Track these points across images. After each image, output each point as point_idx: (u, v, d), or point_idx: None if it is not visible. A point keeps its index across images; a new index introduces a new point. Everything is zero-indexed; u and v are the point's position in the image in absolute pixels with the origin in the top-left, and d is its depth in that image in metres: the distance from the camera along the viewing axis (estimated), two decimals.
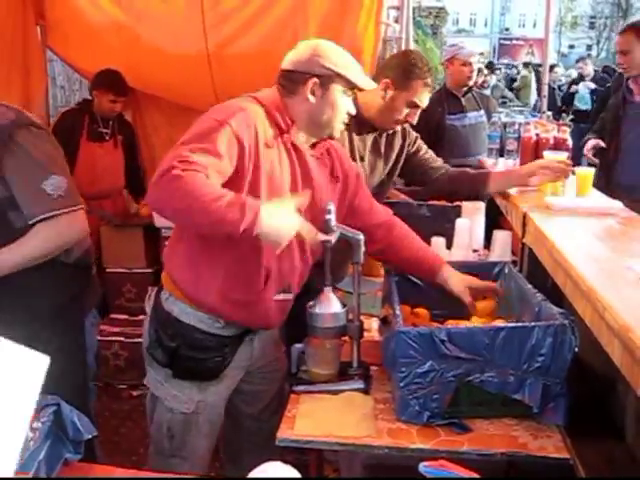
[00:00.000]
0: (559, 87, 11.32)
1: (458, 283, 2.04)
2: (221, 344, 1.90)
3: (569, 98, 10.03)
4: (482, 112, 4.10)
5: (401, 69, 2.42)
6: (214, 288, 1.85)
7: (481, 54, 4.16)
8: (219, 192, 1.60)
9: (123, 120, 4.24)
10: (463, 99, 4.09)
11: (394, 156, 2.68)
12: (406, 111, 2.47)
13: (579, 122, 8.13)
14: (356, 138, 2.51)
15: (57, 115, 4.02)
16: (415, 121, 2.54)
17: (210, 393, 1.93)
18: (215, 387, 1.94)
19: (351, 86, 1.88)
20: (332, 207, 1.86)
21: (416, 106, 2.46)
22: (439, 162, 2.78)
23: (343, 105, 1.89)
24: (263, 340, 2.03)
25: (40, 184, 1.88)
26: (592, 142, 3.71)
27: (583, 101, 9.75)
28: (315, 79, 1.83)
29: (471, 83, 4.12)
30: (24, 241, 1.92)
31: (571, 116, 9.40)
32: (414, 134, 2.78)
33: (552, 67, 11.74)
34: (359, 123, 2.48)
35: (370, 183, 2.56)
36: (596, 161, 3.66)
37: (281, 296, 1.93)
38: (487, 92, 8.72)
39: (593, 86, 9.90)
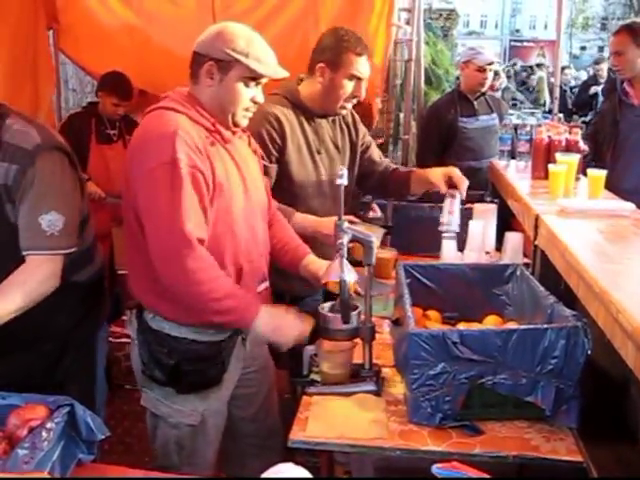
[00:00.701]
0: (570, 89, 11.18)
1: (317, 264, 2.07)
2: (218, 350, 1.90)
3: (589, 99, 9.57)
4: (494, 115, 4.09)
5: (330, 48, 2.38)
6: (195, 309, 1.84)
7: (498, 62, 4.12)
8: (222, 292, 1.79)
9: (130, 120, 4.21)
10: (475, 102, 4.09)
11: (348, 148, 2.65)
12: (350, 86, 2.41)
13: None
14: (309, 131, 2.49)
15: (65, 118, 4.03)
16: (363, 94, 2.49)
17: (213, 400, 1.94)
18: (216, 393, 1.94)
19: (253, 75, 1.81)
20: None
21: (358, 78, 2.40)
22: (375, 164, 2.77)
23: (244, 94, 1.83)
24: (252, 339, 2.02)
25: (37, 217, 1.83)
26: None
27: None
28: (212, 62, 1.80)
29: (484, 89, 4.10)
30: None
31: (590, 117, 9.17)
32: (363, 129, 2.76)
33: (563, 69, 11.60)
34: (307, 114, 2.48)
35: (332, 176, 2.45)
36: None
37: (262, 286, 1.97)
38: (498, 94, 8.67)
39: None
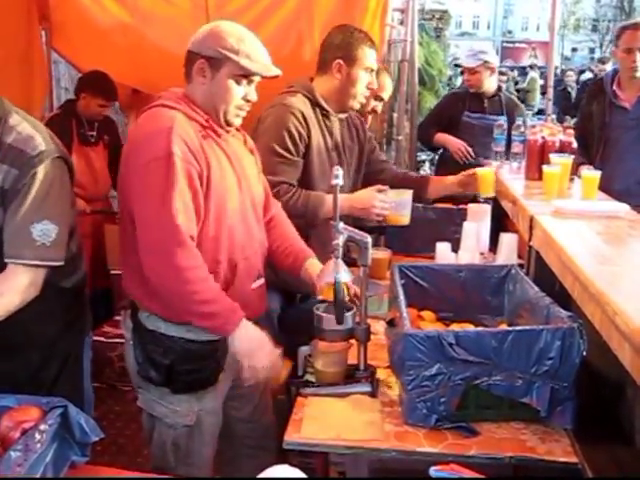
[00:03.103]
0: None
1: (316, 272, 2.05)
2: (213, 349, 1.88)
3: None
4: (505, 117, 4.08)
5: (345, 44, 2.49)
6: (178, 308, 1.82)
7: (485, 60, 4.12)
8: (208, 295, 1.77)
9: (108, 120, 4.18)
10: (486, 100, 4.10)
11: (356, 148, 2.74)
12: (365, 80, 2.53)
13: None
14: (325, 129, 2.55)
15: (43, 121, 3.93)
16: (376, 85, 2.66)
17: (208, 400, 1.93)
18: (211, 394, 1.93)
19: (244, 72, 1.82)
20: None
21: (372, 70, 2.56)
22: (385, 162, 2.94)
23: (236, 92, 1.83)
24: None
25: (29, 225, 1.73)
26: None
27: None
28: (203, 60, 1.81)
29: (481, 89, 4.11)
30: None
31: None
32: (369, 132, 2.89)
33: (565, 71, 11.49)
34: (323, 112, 2.55)
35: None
36: None
37: (257, 283, 1.95)
38: None
39: None
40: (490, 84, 4.17)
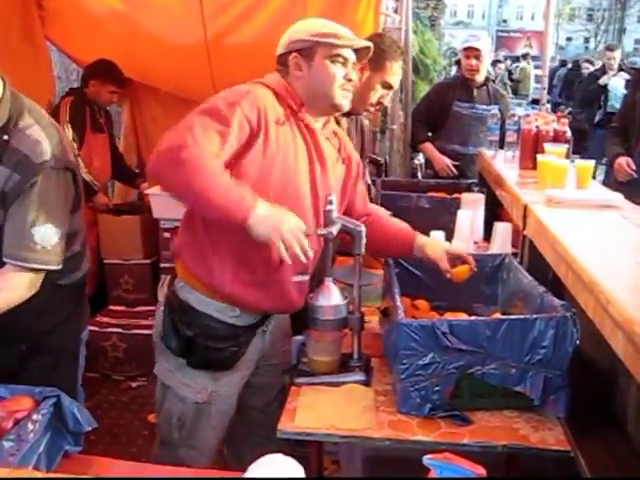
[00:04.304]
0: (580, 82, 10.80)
1: (436, 249, 2.02)
2: (236, 334, 1.89)
3: (599, 91, 8.09)
4: (492, 107, 4.08)
5: (376, 50, 2.42)
6: (228, 272, 1.83)
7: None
8: (222, 180, 1.63)
9: (105, 109, 4.21)
10: (475, 90, 4.10)
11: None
12: (380, 92, 2.54)
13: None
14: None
15: (65, 107, 3.85)
16: (387, 102, 2.65)
17: (223, 384, 1.93)
18: (228, 378, 1.93)
19: (337, 51, 1.83)
20: (333, 198, 1.85)
21: (389, 87, 2.54)
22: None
23: (335, 71, 1.84)
24: (274, 332, 2.03)
25: (31, 228, 1.73)
26: (623, 159, 3.62)
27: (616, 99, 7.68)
28: (294, 54, 1.84)
29: (476, 76, 4.10)
30: None
31: (599, 116, 7.95)
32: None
33: (581, 62, 11.34)
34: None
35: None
36: (634, 175, 3.54)
37: (299, 277, 1.91)
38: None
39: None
40: (484, 73, 4.17)
